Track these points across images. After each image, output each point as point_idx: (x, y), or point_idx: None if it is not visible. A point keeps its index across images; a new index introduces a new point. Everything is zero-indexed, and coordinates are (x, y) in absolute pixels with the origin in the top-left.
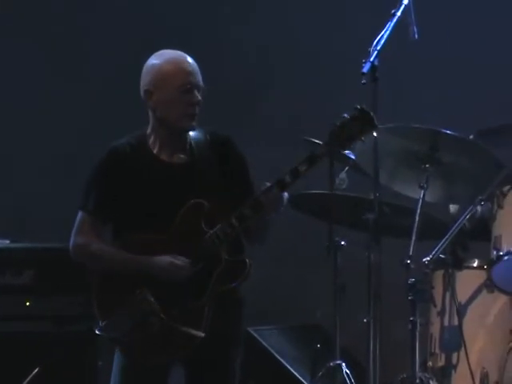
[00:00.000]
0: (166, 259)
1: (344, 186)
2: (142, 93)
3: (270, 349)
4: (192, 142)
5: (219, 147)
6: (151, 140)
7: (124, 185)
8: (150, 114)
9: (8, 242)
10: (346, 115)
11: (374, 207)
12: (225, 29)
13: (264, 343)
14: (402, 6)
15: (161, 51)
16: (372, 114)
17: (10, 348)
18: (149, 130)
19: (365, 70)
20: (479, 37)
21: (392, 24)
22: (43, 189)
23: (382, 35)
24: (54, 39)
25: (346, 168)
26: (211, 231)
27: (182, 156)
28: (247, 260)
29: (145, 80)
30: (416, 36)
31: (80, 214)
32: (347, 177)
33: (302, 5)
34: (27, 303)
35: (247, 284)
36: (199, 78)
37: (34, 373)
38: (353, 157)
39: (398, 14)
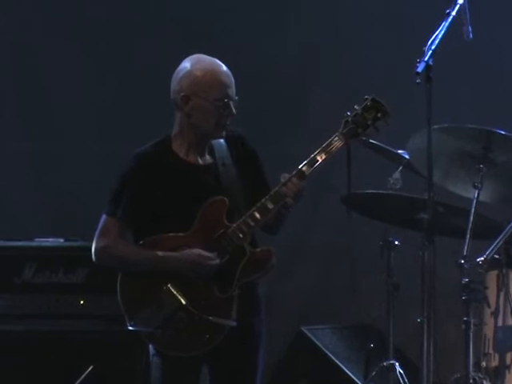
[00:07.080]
0: (194, 252)
1: (398, 186)
2: (175, 96)
3: (323, 348)
4: (212, 142)
5: (234, 144)
6: (177, 143)
7: (153, 190)
8: (180, 117)
9: (62, 240)
10: (357, 106)
11: (427, 207)
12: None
13: (317, 342)
14: (457, 6)
15: (197, 57)
16: (384, 102)
17: (64, 347)
18: (174, 133)
19: (419, 69)
20: None
21: (447, 24)
22: (96, 187)
23: (437, 35)
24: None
25: (400, 168)
26: (234, 225)
27: (207, 157)
28: (271, 249)
29: (181, 85)
30: (470, 36)
31: (105, 218)
32: (401, 176)
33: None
34: (81, 302)
35: (302, 283)
36: (234, 89)
37: (87, 372)
38: (407, 156)
39: (453, 13)
